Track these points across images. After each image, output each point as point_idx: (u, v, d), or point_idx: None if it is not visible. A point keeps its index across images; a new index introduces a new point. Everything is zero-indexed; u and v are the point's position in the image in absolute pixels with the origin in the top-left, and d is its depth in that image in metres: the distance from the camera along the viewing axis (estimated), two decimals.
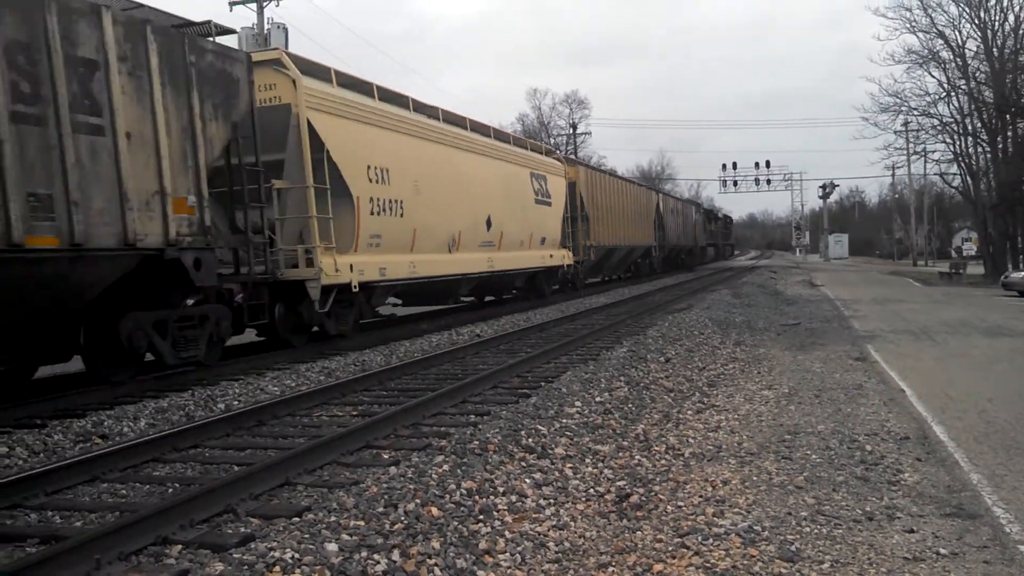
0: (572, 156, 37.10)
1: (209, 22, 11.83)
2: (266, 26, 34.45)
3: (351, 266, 14.73)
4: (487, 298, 25.65)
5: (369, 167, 15.80)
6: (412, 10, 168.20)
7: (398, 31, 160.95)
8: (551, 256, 26.51)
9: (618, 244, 35.24)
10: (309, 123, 14.00)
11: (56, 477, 6.22)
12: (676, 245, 51.43)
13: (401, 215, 16.83)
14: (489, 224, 21.61)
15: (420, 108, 18.87)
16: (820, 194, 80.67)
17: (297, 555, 4.50)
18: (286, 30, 34.60)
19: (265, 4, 34.59)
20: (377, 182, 16.01)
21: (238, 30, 34.02)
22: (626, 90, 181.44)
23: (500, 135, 24.60)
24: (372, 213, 15.78)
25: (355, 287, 14.78)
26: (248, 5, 34.72)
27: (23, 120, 8.42)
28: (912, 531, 4.96)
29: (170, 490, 6.16)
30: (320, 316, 14.18)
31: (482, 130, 22.64)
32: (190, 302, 11.75)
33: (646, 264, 43.30)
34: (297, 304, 13.97)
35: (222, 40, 11.97)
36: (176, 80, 10.60)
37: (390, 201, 16.43)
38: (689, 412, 8.58)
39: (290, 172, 13.89)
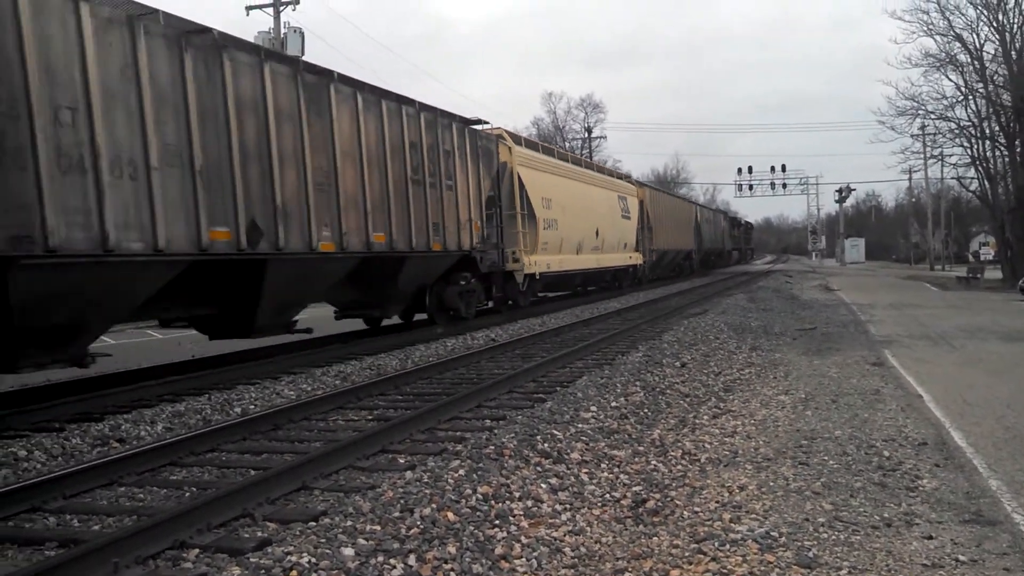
0: (640, 180, 45.49)
1: (479, 120, 19.46)
2: (283, 30, 34.58)
3: (535, 262, 22.86)
4: (588, 288, 32.48)
5: (542, 198, 24.02)
6: (430, 12, 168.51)
7: (416, 34, 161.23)
8: (630, 257, 34.86)
9: (670, 248, 43.52)
10: (518, 174, 22.46)
11: (74, 481, 6.25)
12: (710, 249, 59.37)
13: (556, 229, 25.07)
14: (597, 234, 29.69)
15: (562, 156, 29.84)
16: (836, 198, 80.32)
17: (314, 559, 4.51)
18: (302, 35, 34.72)
19: (282, 8, 34.72)
20: (546, 208, 24.21)
21: (256, 34, 34.33)
22: (641, 94, 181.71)
23: (602, 169, 36.88)
24: (544, 228, 23.91)
25: (537, 276, 23.22)
26: (265, 9, 34.84)
27: (419, 184, 15.93)
28: (930, 537, 4.93)
29: (187, 494, 6.18)
30: (519, 294, 22.33)
31: (593, 166, 34.82)
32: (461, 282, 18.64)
33: (687, 264, 50.47)
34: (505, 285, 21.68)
35: (479, 126, 19.82)
36: (472, 155, 18.70)
37: (552, 220, 24.67)
38: (705, 417, 8.55)
39: (506, 203, 21.71)
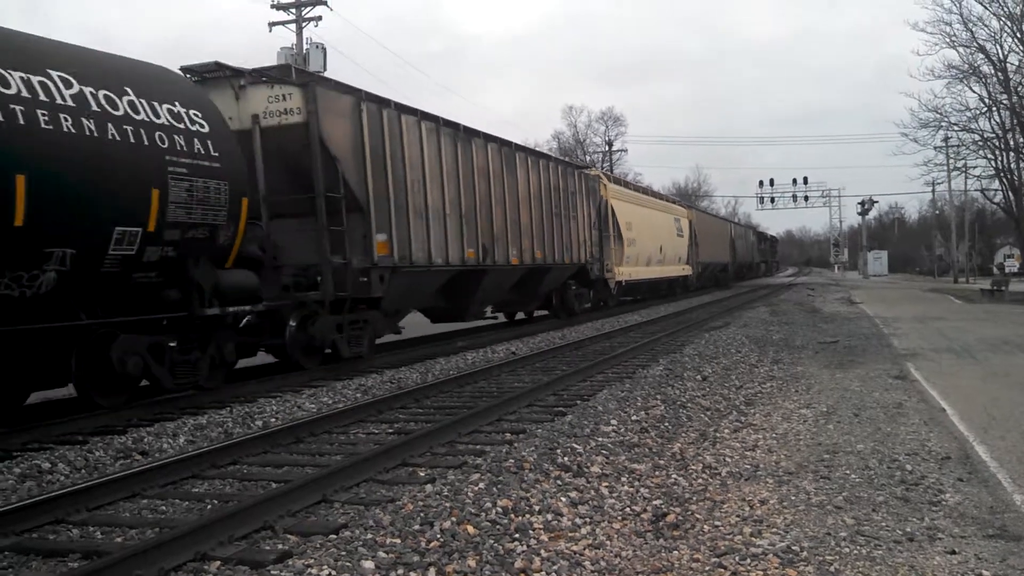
0: (690, 204, 55.58)
1: (588, 165, 29.48)
2: (305, 46, 34.86)
3: (621, 272, 29.63)
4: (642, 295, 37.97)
5: (626, 222, 30.31)
6: (452, 29, 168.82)
7: (438, 49, 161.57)
8: (683, 269, 41.06)
9: (711, 261, 50.22)
10: (611, 205, 28.87)
11: (97, 493, 6.31)
12: (742, 262, 66.72)
13: (635, 246, 31.60)
14: (660, 250, 36.20)
15: (636, 187, 39.54)
16: (859, 210, 79.93)
17: (334, 572, 4.53)
18: (324, 50, 35.06)
19: (304, 25, 35.02)
20: (628, 230, 30.47)
21: (279, 50, 34.65)
22: (663, 108, 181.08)
23: (661, 195, 46.16)
24: (627, 246, 30.33)
25: (623, 284, 30.32)
26: (287, 26, 35.14)
27: (558, 216, 22.63)
28: (954, 552, 4.88)
29: (209, 506, 6.22)
30: (609, 296, 29.11)
31: (657, 194, 43.72)
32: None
33: (724, 275, 56.67)
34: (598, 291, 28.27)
35: (588, 170, 28.17)
36: (585, 192, 25.63)
37: (632, 239, 31.11)
38: (726, 431, 8.52)
39: (602, 227, 27.79)
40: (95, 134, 9.07)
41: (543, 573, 4.64)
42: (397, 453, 7.30)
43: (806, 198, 75.84)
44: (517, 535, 5.15)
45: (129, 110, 9.61)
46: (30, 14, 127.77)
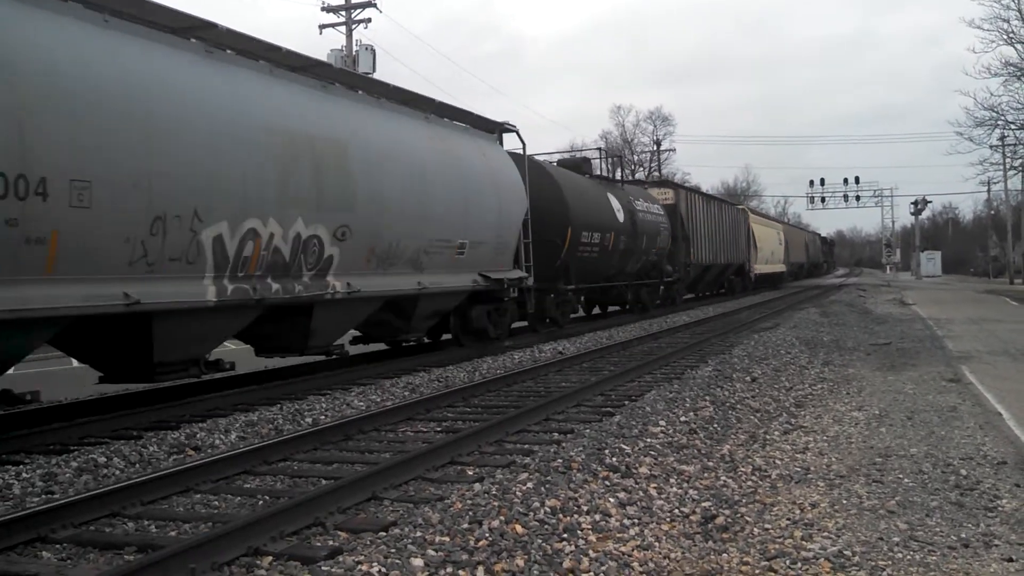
0: (782, 219, 79.13)
1: (738, 203, 52.42)
2: (355, 48, 35.14)
3: (756, 268, 45.71)
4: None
5: (756, 237, 45.83)
6: (506, 30, 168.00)
7: (493, 51, 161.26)
8: (780, 267, 56.15)
9: (795, 261, 67.08)
10: (751, 226, 45.20)
11: (152, 487, 6.41)
12: (813, 262, 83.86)
13: (760, 252, 47.09)
14: (772, 253, 51.72)
15: (760, 213, 64.08)
16: (912, 210, 78.50)
17: (384, 569, 4.56)
18: (374, 52, 35.34)
19: (354, 27, 35.29)
20: (758, 242, 46.32)
21: (329, 52, 34.96)
22: (714, 109, 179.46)
23: (772, 216, 73.54)
24: (758, 252, 46.41)
25: (756, 276, 46.48)
26: (338, 28, 35.44)
27: (734, 235, 41.71)
28: (1011, 560, 4.79)
29: (260, 502, 6.30)
30: (749, 283, 45.19)
31: (767, 215, 70.89)
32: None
33: (802, 272, 74.01)
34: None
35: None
36: (742, 221, 43.19)
37: (759, 247, 46.88)
38: (776, 433, 8.44)
39: (748, 241, 44.33)
40: (653, 222, 27.00)
41: (591, 573, 4.64)
42: (445, 452, 7.34)
43: (857, 198, 74.70)
44: (565, 535, 5.15)
45: (653, 209, 27.64)
46: None
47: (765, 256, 49.82)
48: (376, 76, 21.23)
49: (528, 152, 18.69)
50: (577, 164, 24.49)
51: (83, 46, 8.61)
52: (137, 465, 7.65)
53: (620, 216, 23.65)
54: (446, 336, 17.18)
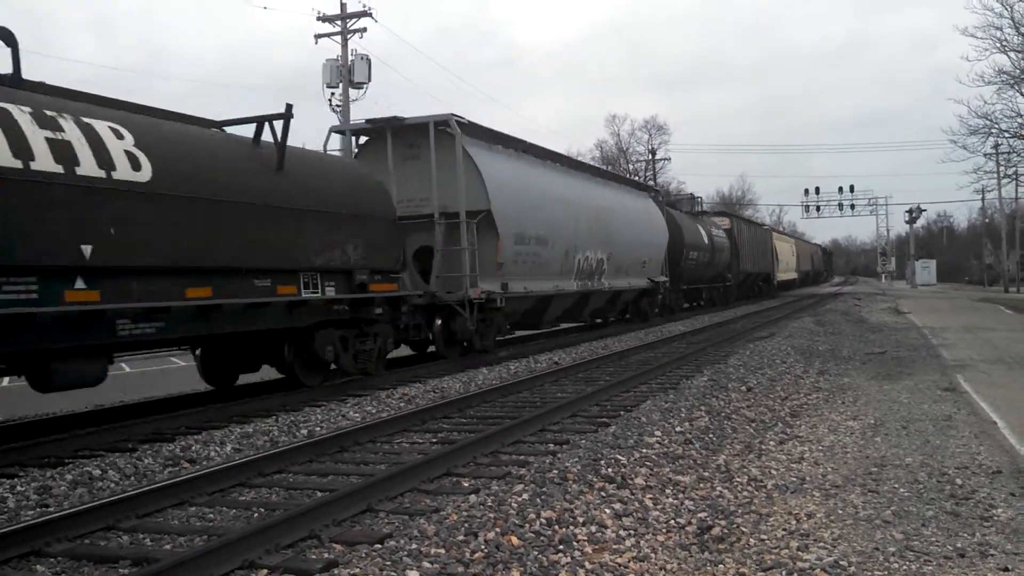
0: (794, 234, 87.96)
1: (763, 224, 64.25)
2: (350, 58, 35.16)
3: (778, 277, 57.85)
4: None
5: (778, 251, 57.76)
6: (502, 38, 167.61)
7: (490, 59, 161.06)
8: (794, 275, 66.80)
9: (803, 269, 76.23)
10: (773, 243, 56.38)
11: (147, 500, 6.40)
12: (817, 269, 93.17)
13: (780, 263, 58.74)
14: (787, 264, 61.64)
15: (777, 230, 74.08)
16: (906, 219, 78.65)
17: None
18: (369, 61, 35.35)
19: (349, 36, 35.29)
20: (779, 255, 58.27)
21: (324, 62, 35.02)
22: (709, 117, 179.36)
23: (788, 232, 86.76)
24: (780, 263, 58.36)
25: (778, 282, 58.58)
26: (333, 37, 35.47)
27: (764, 250, 53.79)
28: (1007, 569, 4.79)
29: (255, 514, 6.28)
30: (774, 289, 56.42)
31: (784, 232, 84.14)
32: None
33: (807, 279, 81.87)
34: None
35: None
36: (768, 239, 55.95)
37: (780, 259, 58.43)
38: (771, 443, 8.44)
39: (772, 254, 57.14)
40: (721, 242, 40.54)
41: None
42: (441, 463, 7.33)
43: (852, 206, 74.83)
44: (561, 547, 5.15)
45: (720, 233, 41.31)
46: (100, 30, 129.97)
47: (783, 266, 58.73)
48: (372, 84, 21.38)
49: None
50: (681, 202, 46.11)
51: (560, 179, 22.26)
52: (132, 478, 7.64)
53: (705, 239, 37.11)
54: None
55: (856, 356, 16.23)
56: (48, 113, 8.70)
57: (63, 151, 8.54)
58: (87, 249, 8.61)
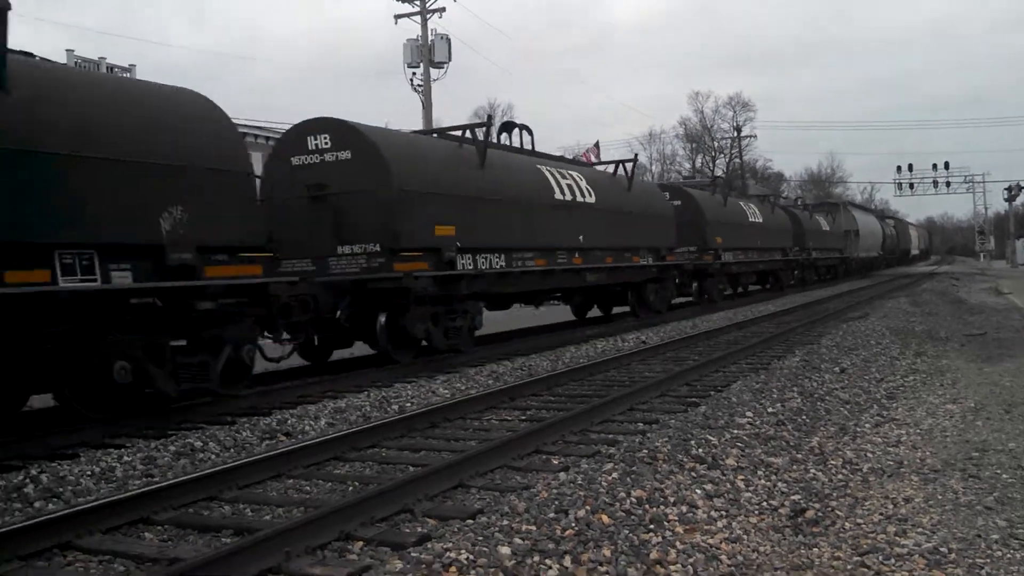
0: (893, 215, 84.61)
1: (838, 202, 61.20)
2: (430, 37, 35.33)
3: (857, 255, 53.33)
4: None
5: (857, 230, 52.52)
6: (590, 18, 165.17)
7: (571, 38, 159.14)
8: (879, 253, 62.22)
9: (903, 247, 77.35)
10: (855, 218, 54.83)
11: (246, 472, 6.60)
12: (922, 248, 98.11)
13: (861, 242, 53.63)
14: (871, 244, 58.04)
15: (863, 207, 71.41)
16: (1005, 196, 75.79)
17: (472, 556, 4.61)
18: (449, 41, 35.52)
19: (429, 16, 35.42)
20: (858, 234, 52.61)
21: (404, 42, 35.32)
22: (797, 94, 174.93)
23: (872, 210, 78.94)
24: (860, 242, 52.98)
25: (856, 260, 53.13)
26: (412, 18, 35.67)
27: (840, 233, 50.02)
28: None
29: (350, 488, 6.42)
30: (855, 261, 52.95)
31: (868, 208, 78.89)
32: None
33: (915, 256, 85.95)
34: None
35: None
36: (846, 220, 52.76)
37: (861, 239, 53.08)
38: (867, 425, 8.27)
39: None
40: (842, 228, 49.81)
41: (679, 565, 4.62)
42: (530, 440, 7.38)
43: (948, 184, 72.32)
44: (652, 526, 5.14)
45: (839, 220, 50.25)
46: (199, 23, 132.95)
47: (866, 246, 57.29)
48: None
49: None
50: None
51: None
52: (232, 450, 7.88)
53: (826, 228, 45.06)
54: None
55: (954, 337, 15.74)
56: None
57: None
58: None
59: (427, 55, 35.18)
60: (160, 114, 9.27)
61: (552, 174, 17.25)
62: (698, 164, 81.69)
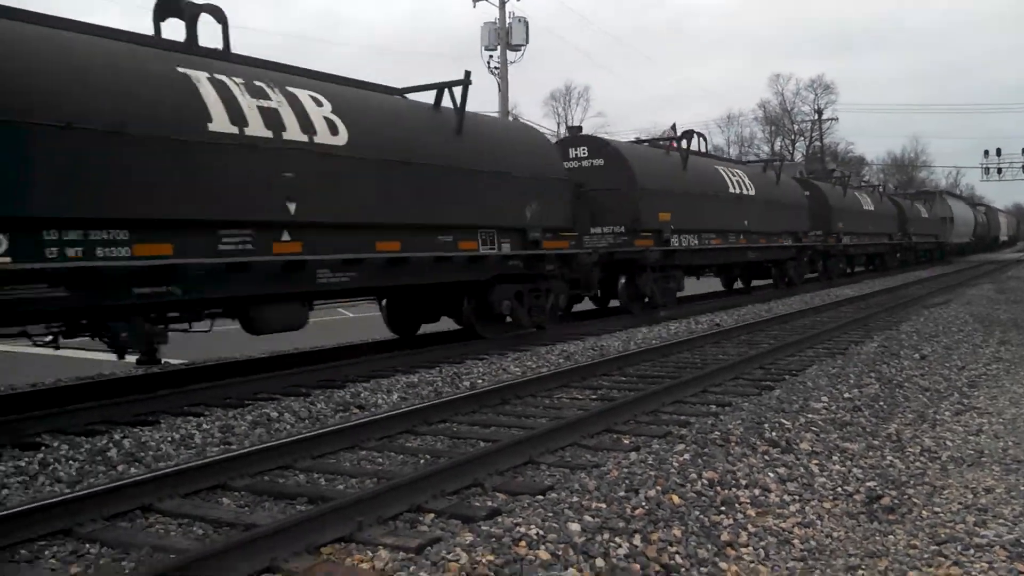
0: (980, 202, 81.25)
1: (935, 189, 60.80)
2: (508, 20, 35.27)
3: (951, 240, 52.30)
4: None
5: (953, 217, 52.11)
6: (673, 2, 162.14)
7: (653, 21, 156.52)
8: (971, 238, 61.01)
9: (992, 235, 74.83)
10: (950, 206, 53.74)
11: (321, 442, 6.71)
12: (1011, 235, 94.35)
13: (955, 228, 52.14)
14: (963, 230, 56.35)
15: (954, 195, 64.14)
16: None
17: (541, 532, 4.62)
18: (527, 24, 35.43)
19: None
20: (954, 220, 52.31)
21: (482, 25, 35.34)
22: (880, 78, 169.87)
23: (964, 197, 72.70)
24: (954, 228, 51.90)
25: (949, 245, 52.28)
26: (491, 1, 35.62)
27: (933, 218, 48.83)
28: None
29: (422, 461, 6.50)
30: (952, 246, 52.63)
31: (961, 195, 73.56)
32: None
33: (996, 243, 79.77)
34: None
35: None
36: (942, 207, 51.29)
37: (956, 224, 52.33)
38: (947, 413, 8.08)
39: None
40: (941, 215, 49.65)
41: (750, 548, 4.58)
42: (601, 419, 7.36)
43: None
44: (723, 508, 5.10)
45: (937, 207, 50.44)
46: (325, 17, 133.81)
47: (959, 232, 57.34)
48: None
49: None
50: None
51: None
52: (306, 421, 8.02)
53: (925, 215, 45.89)
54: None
55: None
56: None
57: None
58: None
59: (504, 38, 35.14)
60: (522, 143, 14.24)
61: (725, 172, 21.87)
62: (777, 147, 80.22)
